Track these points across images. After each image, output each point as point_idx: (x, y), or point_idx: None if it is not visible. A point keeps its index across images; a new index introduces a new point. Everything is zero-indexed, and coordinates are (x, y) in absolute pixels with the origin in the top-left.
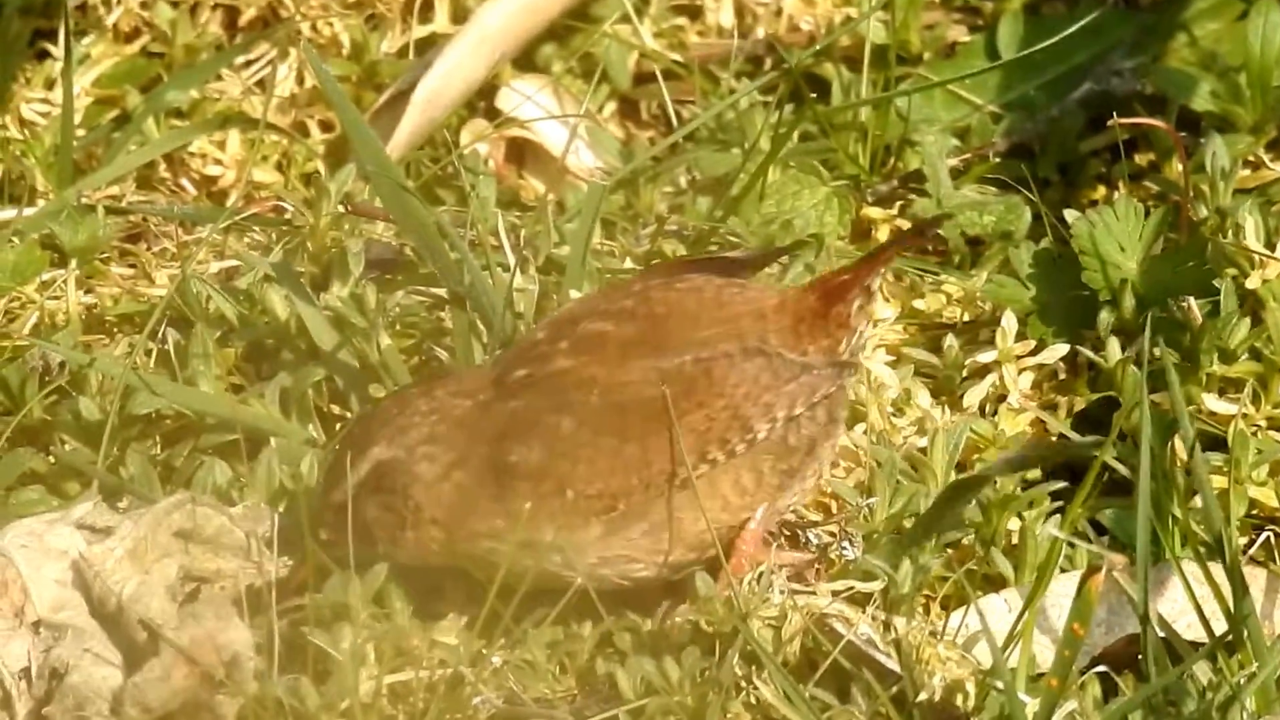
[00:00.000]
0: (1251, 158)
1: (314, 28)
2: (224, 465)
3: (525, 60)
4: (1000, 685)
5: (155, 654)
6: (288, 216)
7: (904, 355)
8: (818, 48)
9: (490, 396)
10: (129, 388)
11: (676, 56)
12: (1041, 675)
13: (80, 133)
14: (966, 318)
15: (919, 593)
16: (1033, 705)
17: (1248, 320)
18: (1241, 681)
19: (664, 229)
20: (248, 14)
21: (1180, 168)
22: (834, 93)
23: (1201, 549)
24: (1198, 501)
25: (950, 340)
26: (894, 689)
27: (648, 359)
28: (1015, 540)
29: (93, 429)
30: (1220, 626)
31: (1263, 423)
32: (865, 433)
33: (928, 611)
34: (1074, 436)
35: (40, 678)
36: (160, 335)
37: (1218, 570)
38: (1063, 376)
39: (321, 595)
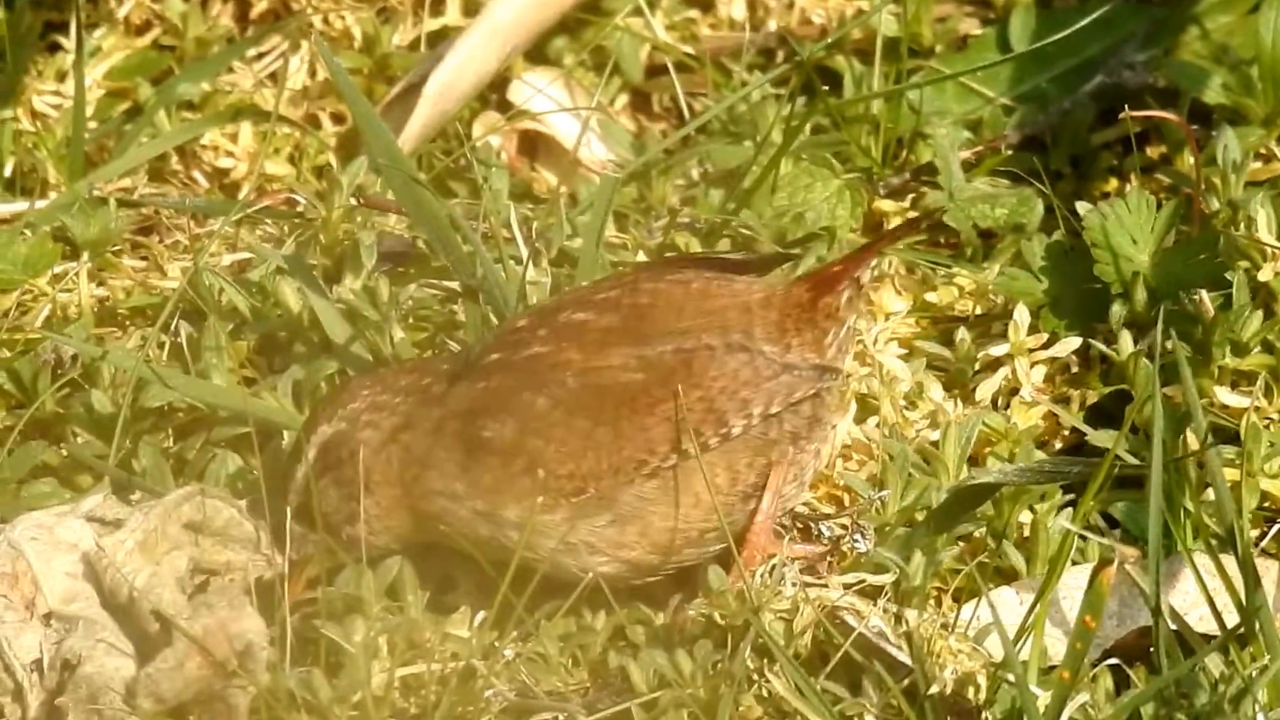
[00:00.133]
0: (1263, 150)
1: (326, 20)
2: (236, 458)
3: (537, 53)
4: (1012, 678)
5: (168, 644)
6: (300, 209)
7: (916, 348)
8: (830, 40)
9: (448, 377)
10: (141, 380)
11: (688, 49)
12: (1053, 668)
13: (92, 125)
14: (979, 311)
15: (930, 585)
16: (1044, 698)
17: (1260, 313)
18: (1253, 674)
19: (676, 221)
20: (259, 7)
21: (1192, 160)
22: (846, 85)
23: (1213, 541)
24: (1210, 494)
25: (962, 333)
26: (905, 681)
27: (628, 347)
28: (1027, 533)
29: (105, 422)
30: (1232, 619)
31: (1275, 415)
32: (878, 426)
33: (939, 604)
34: (1086, 429)
35: (52, 669)
36: (172, 328)
37: (1230, 563)
38: (1075, 370)
39: (334, 588)
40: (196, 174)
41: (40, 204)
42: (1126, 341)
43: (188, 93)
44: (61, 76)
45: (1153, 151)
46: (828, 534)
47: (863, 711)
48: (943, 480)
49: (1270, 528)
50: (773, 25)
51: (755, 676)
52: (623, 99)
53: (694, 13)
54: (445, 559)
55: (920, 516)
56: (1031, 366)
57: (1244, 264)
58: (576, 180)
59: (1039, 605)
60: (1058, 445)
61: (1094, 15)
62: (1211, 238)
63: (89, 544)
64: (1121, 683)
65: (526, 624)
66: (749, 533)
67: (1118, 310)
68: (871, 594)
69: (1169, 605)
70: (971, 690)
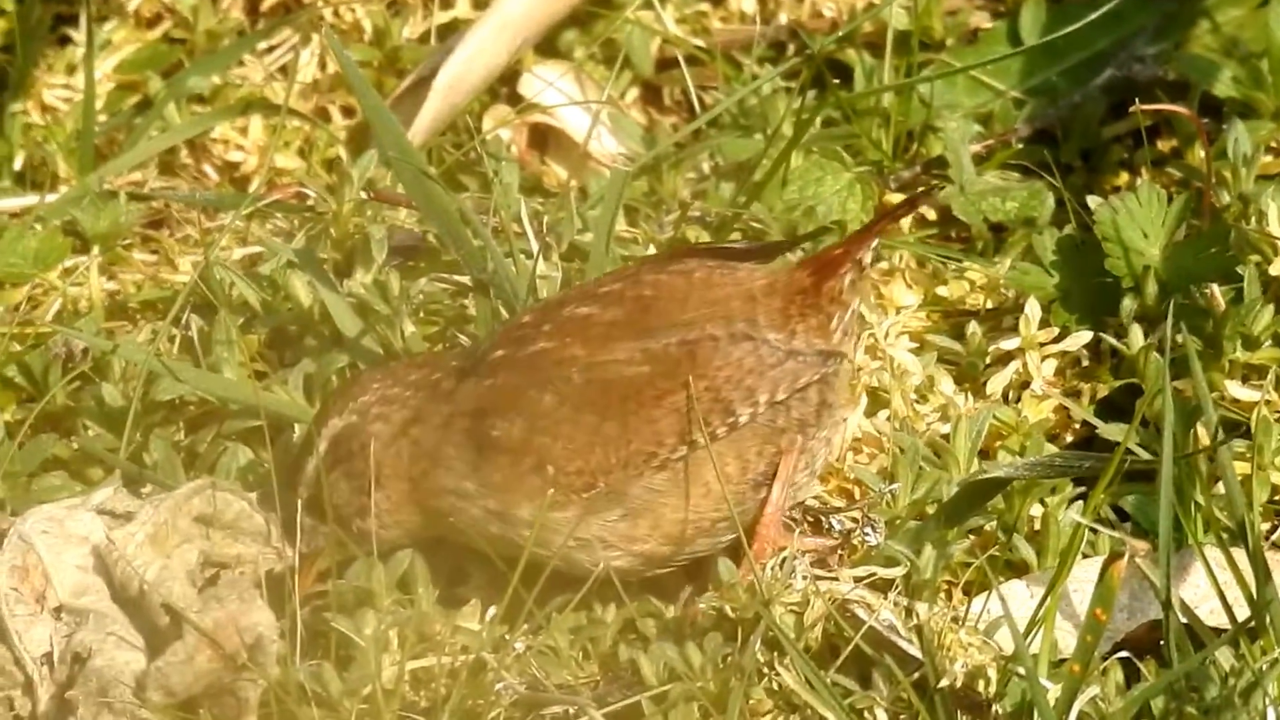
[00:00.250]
0: (1274, 143)
1: (336, 13)
2: (247, 451)
3: (547, 46)
4: (1022, 671)
5: (179, 637)
6: (310, 203)
7: (927, 342)
8: (840, 34)
9: (456, 373)
10: (152, 374)
11: (699, 42)
12: (1063, 661)
13: (102, 118)
14: (990, 305)
15: (941, 578)
16: (1055, 691)
17: (1271, 307)
18: (1264, 667)
19: (687, 215)
20: (269, 0)
21: (1203, 154)
22: (857, 79)
23: (1224, 535)
24: (1220, 488)
25: (973, 327)
26: (916, 675)
27: (632, 340)
28: (1038, 526)
29: (116, 415)
30: (1243, 612)
31: None
32: (888, 419)
33: (950, 597)
34: (1097, 423)
35: (62, 662)
36: (183, 322)
37: (1240, 556)
38: (1086, 363)
39: (344, 581)
40: (207, 167)
41: (50, 198)
42: (1137, 335)
43: (198, 86)
44: (71, 70)
45: (1163, 145)
46: (838, 527)
47: (873, 705)
48: (953, 473)
49: None
50: (783, 18)
51: (765, 669)
52: (633, 92)
53: (705, 6)
54: (456, 552)
55: (931, 510)
56: (1042, 360)
57: (1255, 258)
58: (587, 174)
59: (1049, 598)
60: (1068, 439)
61: (1104, 9)
62: (1222, 231)
63: (99, 537)
64: (1132, 676)
65: (537, 617)
66: (759, 526)
67: (1128, 304)
68: (882, 587)
69: (1179, 598)
70: (982, 683)
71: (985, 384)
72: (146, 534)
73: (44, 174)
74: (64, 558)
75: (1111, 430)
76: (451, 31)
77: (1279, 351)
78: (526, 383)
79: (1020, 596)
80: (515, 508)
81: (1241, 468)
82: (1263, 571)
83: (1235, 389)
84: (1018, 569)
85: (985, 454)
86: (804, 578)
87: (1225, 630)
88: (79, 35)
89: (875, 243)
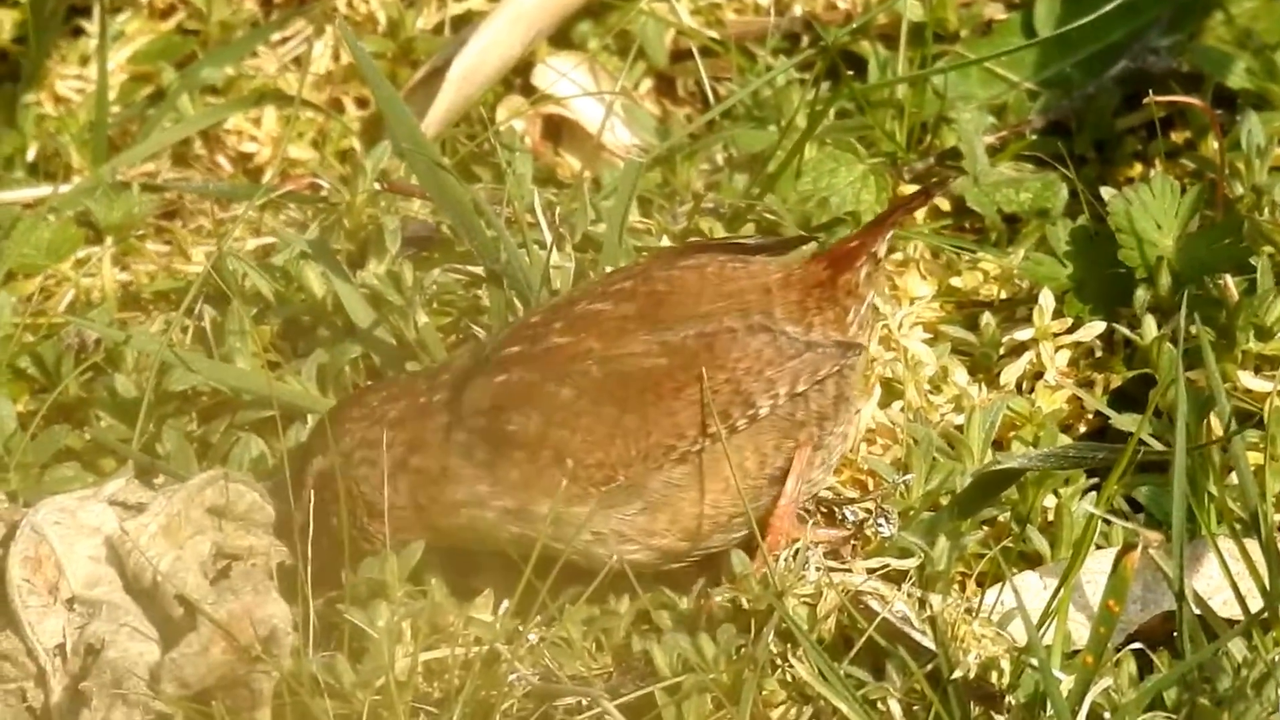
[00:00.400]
0: None
1: (350, 4)
2: (260, 442)
3: (561, 37)
4: (1035, 662)
5: (192, 629)
6: (324, 194)
7: (941, 333)
8: (855, 25)
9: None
10: (165, 365)
11: (713, 33)
12: (1077, 652)
13: (115, 110)
14: (1003, 295)
15: (954, 570)
16: (1068, 682)
17: None
18: (1277, 658)
19: (701, 206)
20: None
21: (1216, 145)
22: (871, 70)
23: (1237, 526)
24: (1233, 478)
25: (987, 318)
26: (929, 666)
27: (648, 334)
28: (1051, 517)
29: (129, 406)
30: (1256, 603)
31: None
32: (902, 410)
33: (963, 588)
34: (1110, 414)
35: (75, 654)
36: (196, 312)
37: (1253, 547)
38: (1099, 354)
39: (357, 574)
40: (220, 158)
41: (64, 188)
42: (1150, 326)
43: (211, 77)
44: (85, 61)
45: (1177, 136)
46: (852, 518)
47: (886, 696)
48: (967, 464)
49: None
50: (798, 10)
51: (779, 661)
52: (647, 83)
53: None
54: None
55: (944, 501)
56: (1056, 351)
57: (1268, 249)
58: (600, 165)
59: (1063, 590)
60: (1082, 429)
61: (1119, 1)
62: (1235, 222)
63: (112, 528)
64: (1145, 667)
65: (550, 608)
66: (773, 517)
67: (1142, 295)
68: (895, 579)
69: (1192, 589)
70: (995, 675)
71: (999, 375)
72: (159, 525)
73: (57, 165)
74: (76, 549)
75: (1125, 421)
76: (465, 23)
77: None
78: (543, 377)
79: (1033, 588)
80: (534, 504)
81: (1254, 458)
82: (1276, 562)
83: (1248, 379)
84: (1031, 560)
85: (999, 445)
86: (817, 569)
87: (1238, 621)
88: (92, 26)
89: (890, 235)
